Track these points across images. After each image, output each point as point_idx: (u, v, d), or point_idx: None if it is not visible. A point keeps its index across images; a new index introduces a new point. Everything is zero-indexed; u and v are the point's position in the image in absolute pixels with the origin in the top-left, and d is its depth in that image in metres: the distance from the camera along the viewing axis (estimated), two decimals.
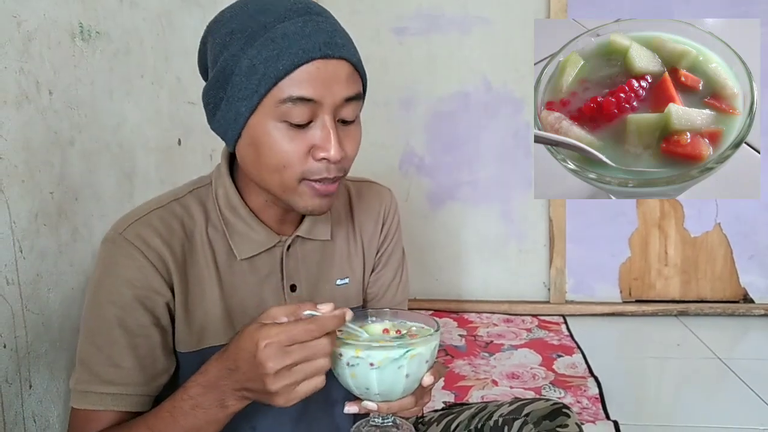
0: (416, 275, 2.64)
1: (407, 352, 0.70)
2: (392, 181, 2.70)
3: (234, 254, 0.86)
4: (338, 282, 0.95)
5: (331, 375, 0.93)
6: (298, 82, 0.74)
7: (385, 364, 0.70)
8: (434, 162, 2.83)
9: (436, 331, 0.75)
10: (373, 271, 1.02)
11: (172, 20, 1.53)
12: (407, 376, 0.72)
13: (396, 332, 0.77)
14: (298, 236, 0.90)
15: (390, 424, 0.77)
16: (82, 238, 1.15)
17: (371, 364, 0.70)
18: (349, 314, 0.71)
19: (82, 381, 0.80)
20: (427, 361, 0.73)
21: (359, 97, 0.80)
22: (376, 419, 0.78)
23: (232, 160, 0.89)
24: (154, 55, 1.44)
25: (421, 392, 0.77)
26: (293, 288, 0.90)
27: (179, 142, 1.58)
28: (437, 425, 0.99)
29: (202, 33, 0.83)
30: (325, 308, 0.69)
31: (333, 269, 0.95)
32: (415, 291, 2.77)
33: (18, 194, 0.98)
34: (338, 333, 0.72)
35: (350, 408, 0.76)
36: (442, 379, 1.96)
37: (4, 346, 0.96)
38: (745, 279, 2.69)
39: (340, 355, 0.72)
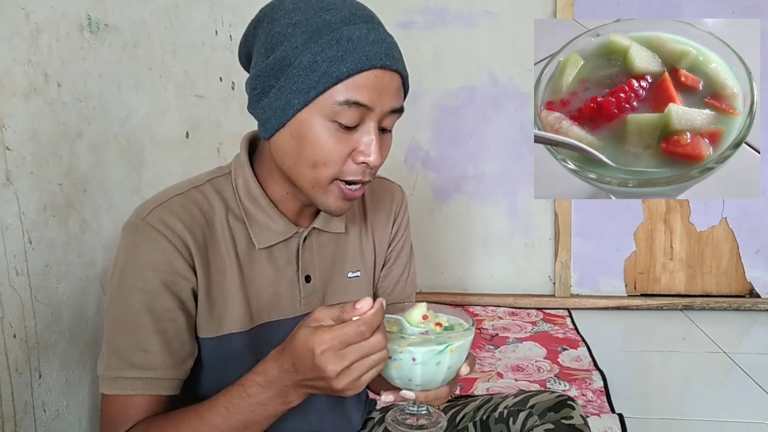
0: (422, 269, 2.64)
1: (447, 347, 0.73)
2: (398, 174, 2.70)
3: (252, 243, 0.87)
4: (350, 274, 0.97)
5: None
6: (357, 87, 0.76)
7: (427, 358, 0.73)
8: (440, 156, 2.83)
9: (472, 325, 0.78)
10: (384, 266, 1.04)
11: (179, 13, 1.53)
12: (448, 368, 0.75)
13: (436, 325, 0.79)
14: (314, 228, 0.92)
15: (424, 411, 0.80)
16: (91, 229, 1.15)
17: (413, 359, 0.73)
18: (381, 303, 0.71)
19: (112, 367, 0.81)
20: (465, 354, 0.77)
21: (401, 111, 0.83)
22: (411, 407, 0.80)
23: (251, 151, 0.90)
24: (161, 49, 1.45)
25: (454, 382, 0.80)
26: (308, 279, 0.91)
27: (187, 135, 1.58)
28: None
29: (209, 27, 0.83)
30: (364, 306, 0.69)
31: (346, 262, 0.97)
32: (421, 284, 2.78)
33: (27, 186, 0.99)
34: None
35: (387, 397, 0.78)
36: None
37: (14, 336, 0.97)
38: (751, 274, 2.68)
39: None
